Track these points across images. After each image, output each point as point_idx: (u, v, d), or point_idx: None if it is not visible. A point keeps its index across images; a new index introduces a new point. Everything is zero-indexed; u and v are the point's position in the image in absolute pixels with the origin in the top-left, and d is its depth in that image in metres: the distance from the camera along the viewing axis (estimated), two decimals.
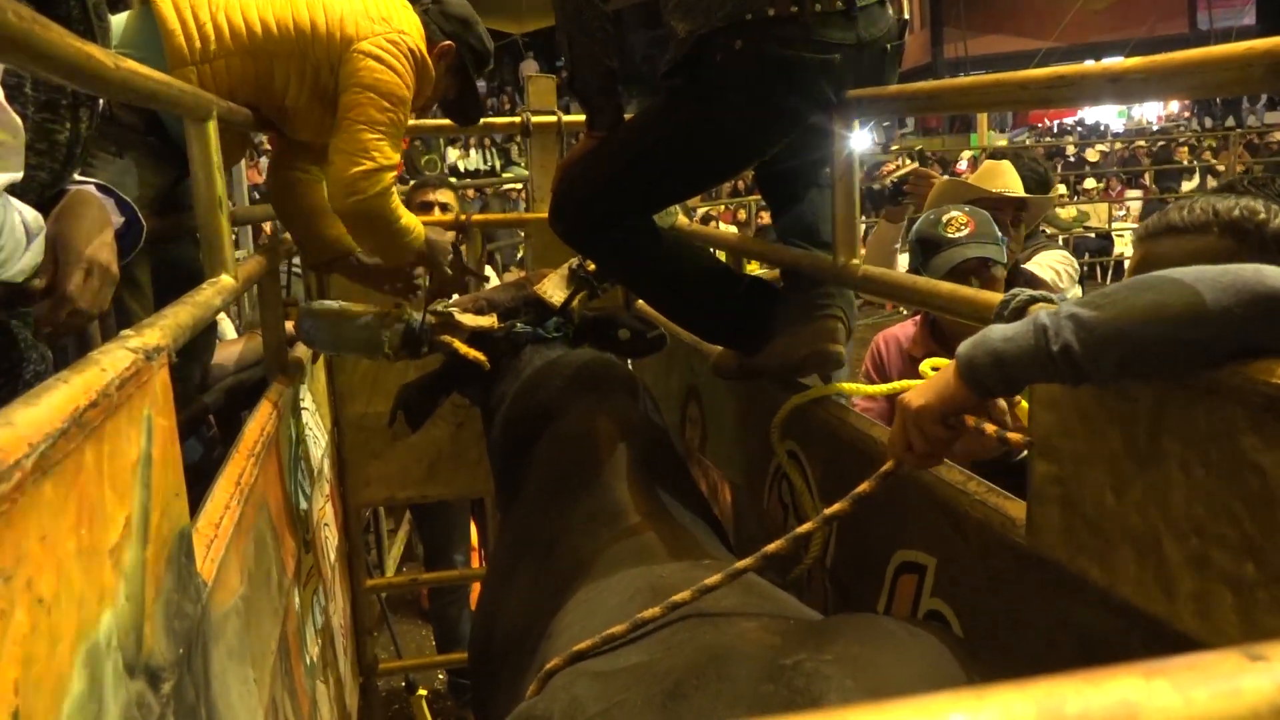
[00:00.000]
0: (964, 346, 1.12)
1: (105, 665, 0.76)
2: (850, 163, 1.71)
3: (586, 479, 1.84)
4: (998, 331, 1.10)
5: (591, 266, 2.37)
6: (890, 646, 1.06)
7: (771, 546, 1.34)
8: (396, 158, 2.15)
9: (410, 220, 2.27)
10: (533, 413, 2.14)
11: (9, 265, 1.05)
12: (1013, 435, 1.17)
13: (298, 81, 2.08)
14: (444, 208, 3.25)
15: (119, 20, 1.97)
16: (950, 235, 2.12)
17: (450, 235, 3.03)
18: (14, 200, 1.05)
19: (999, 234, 2.17)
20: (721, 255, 2.57)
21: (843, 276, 1.70)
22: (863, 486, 1.31)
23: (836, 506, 1.33)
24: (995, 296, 1.31)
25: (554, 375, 2.19)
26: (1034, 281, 2.52)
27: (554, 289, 2.37)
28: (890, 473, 1.29)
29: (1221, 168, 12.02)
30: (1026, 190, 2.75)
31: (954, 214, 2.16)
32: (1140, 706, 0.24)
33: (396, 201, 2.19)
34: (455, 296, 2.73)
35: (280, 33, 2.03)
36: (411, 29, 2.17)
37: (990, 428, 1.17)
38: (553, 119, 3.01)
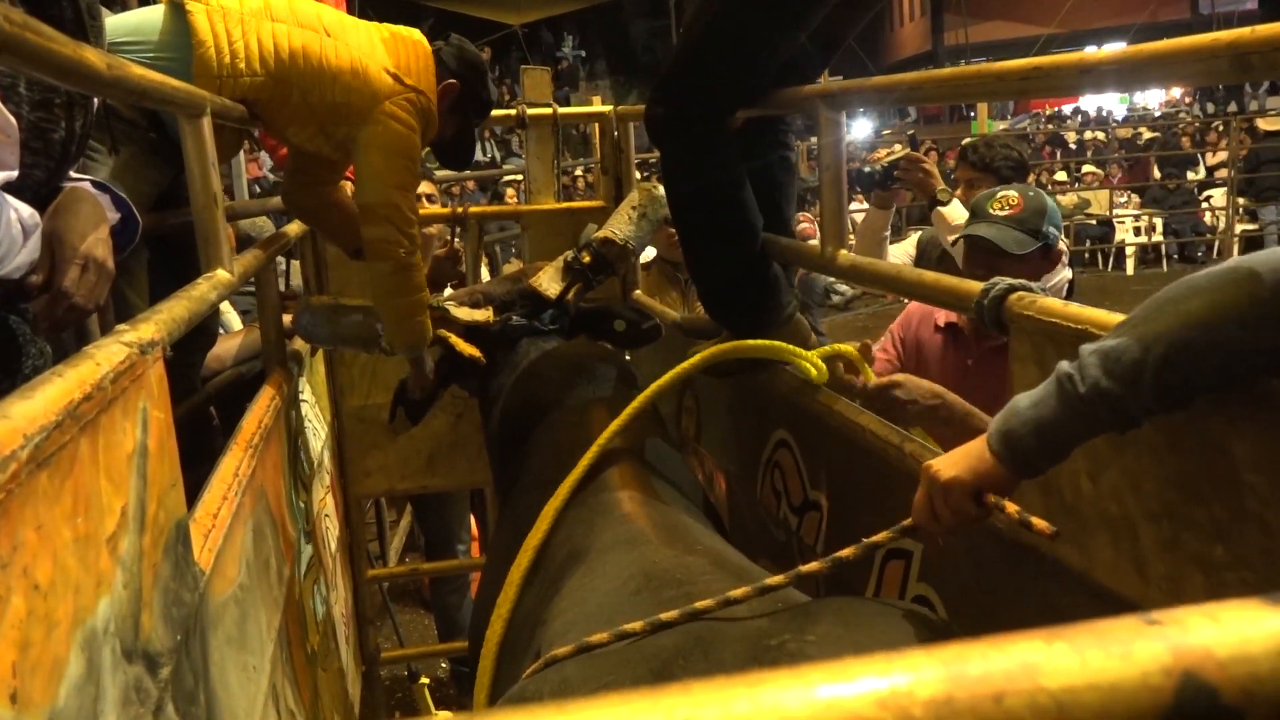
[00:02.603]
0: (995, 422, 1.05)
1: (103, 650, 0.79)
2: (838, 154, 1.73)
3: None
4: (1025, 400, 1.02)
5: (587, 259, 2.39)
6: (871, 627, 1.08)
7: (807, 568, 1.22)
8: (417, 209, 2.21)
9: (425, 304, 2.25)
10: (529, 404, 2.16)
11: (6, 262, 1.07)
12: (1037, 523, 1.06)
13: (308, 112, 2.09)
14: (428, 199, 3.27)
15: (144, 15, 1.99)
16: (990, 211, 2.09)
17: (438, 228, 3.05)
18: (10, 198, 1.07)
19: (1046, 227, 2.08)
20: None
21: (830, 266, 1.72)
22: (879, 537, 1.21)
23: (847, 552, 1.21)
24: (976, 285, 1.33)
25: (549, 367, 2.21)
26: None
27: (549, 281, 2.39)
28: (912, 529, 1.20)
29: (1223, 154, 11.99)
30: (1002, 175, 2.75)
31: (1010, 192, 2.13)
32: (1039, 667, 0.26)
33: (422, 272, 2.22)
34: (450, 289, 2.76)
35: (306, 66, 2.04)
36: (428, 80, 2.19)
37: (1012, 509, 1.07)
38: (548, 111, 3.02)
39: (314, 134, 2.14)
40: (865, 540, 1.19)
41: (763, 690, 0.26)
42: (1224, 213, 11.32)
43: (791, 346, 1.85)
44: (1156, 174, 12.79)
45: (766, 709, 0.25)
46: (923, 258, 3.01)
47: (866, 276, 1.67)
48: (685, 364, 1.92)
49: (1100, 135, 14.45)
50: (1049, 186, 12.13)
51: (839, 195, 1.73)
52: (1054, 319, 1.20)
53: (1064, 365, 0.99)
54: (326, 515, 2.62)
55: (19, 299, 1.16)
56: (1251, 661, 0.26)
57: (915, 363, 2.24)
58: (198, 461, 1.58)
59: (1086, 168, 12.59)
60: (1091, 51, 1.10)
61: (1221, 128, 12.75)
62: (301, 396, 2.45)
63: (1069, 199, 11.70)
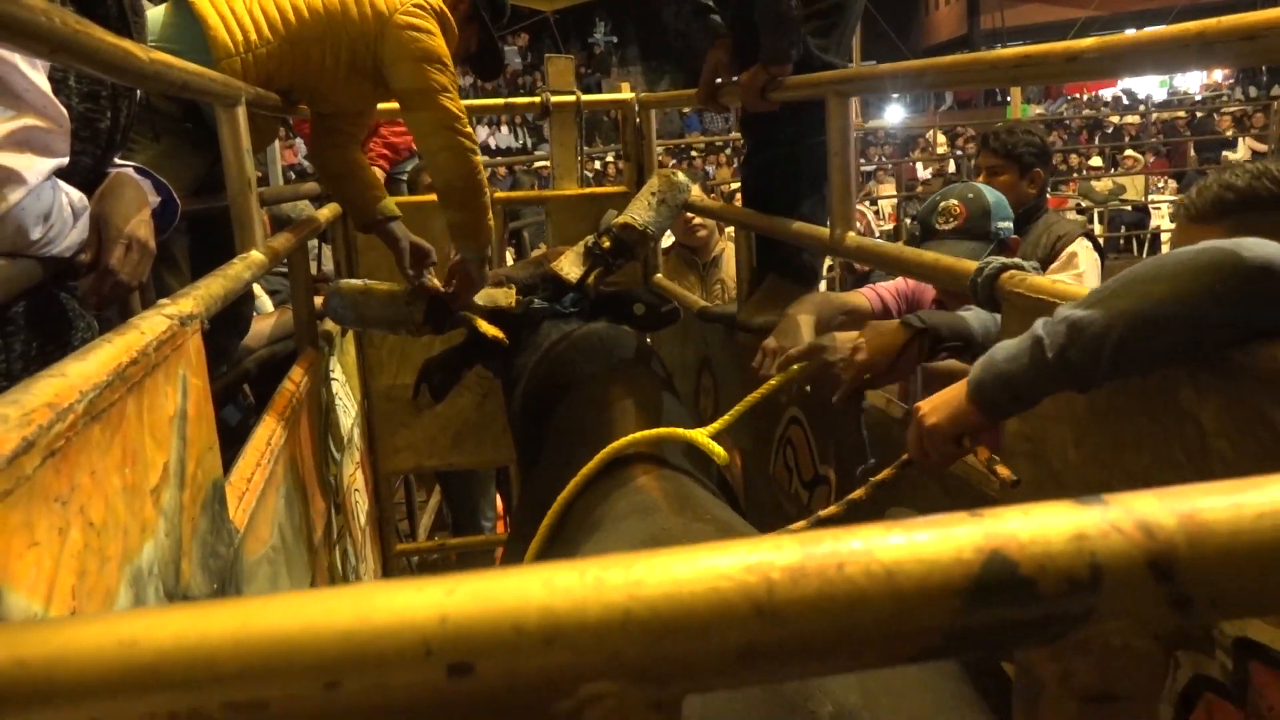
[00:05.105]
0: (974, 371, 1.15)
1: (148, 589, 0.88)
2: (846, 139, 1.79)
3: (599, 444, 1.93)
4: (1001, 352, 1.12)
5: (606, 244, 2.46)
6: None
7: (825, 512, 1.42)
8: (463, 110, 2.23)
9: (489, 205, 2.31)
10: (549, 383, 2.23)
11: (58, 242, 1.16)
12: (1001, 470, 1.20)
13: (334, 60, 2.17)
14: None
15: (154, 15, 2.07)
16: (938, 226, 2.01)
17: None
18: (61, 183, 1.16)
19: (995, 226, 2.01)
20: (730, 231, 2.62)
21: (838, 247, 1.78)
22: (884, 473, 1.37)
23: (859, 492, 1.39)
24: (971, 265, 1.39)
25: (569, 348, 2.28)
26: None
27: (570, 266, 2.46)
28: (908, 463, 1.34)
29: (1264, 148, 11.75)
30: (1024, 161, 2.76)
31: (951, 201, 2.03)
32: (876, 546, 0.33)
33: (483, 173, 2.28)
34: None
35: (313, 17, 2.12)
36: None
37: (983, 455, 1.22)
38: (571, 99, 3.09)
39: (354, 83, 2.20)
40: (872, 479, 1.30)
41: (658, 560, 0.33)
42: None
43: (694, 434, 1.81)
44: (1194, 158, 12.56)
45: (659, 571, 0.32)
46: None
47: (870, 257, 1.73)
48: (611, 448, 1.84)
49: (1137, 119, 14.22)
50: (1085, 172, 11.99)
51: (847, 179, 1.79)
52: (1043, 296, 1.26)
53: (1039, 327, 1.07)
54: (356, 490, 2.73)
55: (69, 276, 1.25)
56: (1047, 544, 0.33)
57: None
58: (230, 436, 1.67)
59: (1126, 152, 12.40)
60: (1077, 40, 1.15)
61: (1262, 112, 12.49)
62: (332, 375, 2.54)
63: (1104, 184, 11.56)
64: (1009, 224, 2.05)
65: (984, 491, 1.45)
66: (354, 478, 2.71)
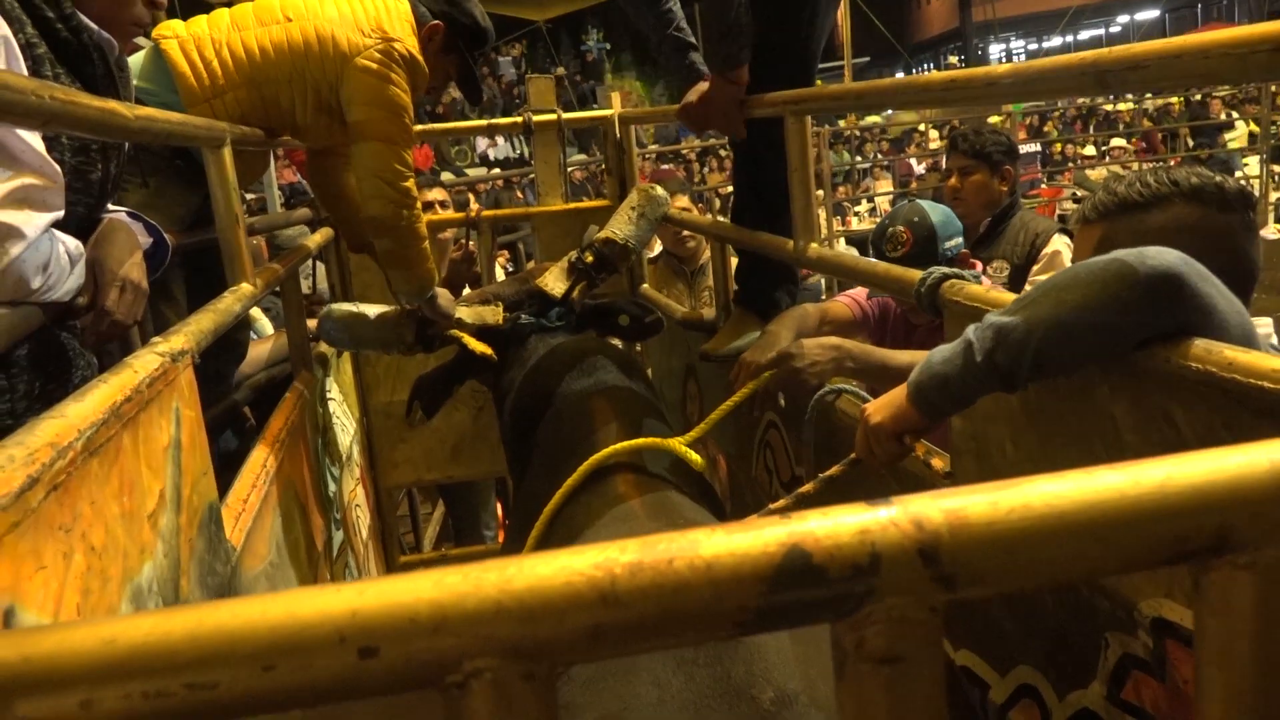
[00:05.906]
0: (913, 374, 1.24)
1: (147, 605, 0.96)
2: (805, 156, 1.87)
3: (583, 453, 2.02)
4: (938, 356, 1.20)
5: (590, 258, 2.55)
6: None
7: (775, 505, 1.52)
8: (412, 163, 2.28)
9: (428, 254, 2.34)
10: (537, 396, 2.32)
11: (57, 288, 1.25)
12: (935, 462, 1.30)
13: (300, 100, 2.24)
14: (441, 205, 3.43)
15: (136, 58, 2.17)
16: (887, 254, 2.06)
17: (451, 232, 3.23)
18: (58, 233, 1.25)
19: (942, 247, 2.06)
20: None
21: (800, 258, 1.87)
22: (832, 470, 1.47)
23: (808, 487, 1.49)
24: (916, 274, 1.47)
25: (555, 361, 2.37)
26: None
27: (555, 281, 2.54)
28: (856, 460, 1.43)
29: (1255, 130, 11.77)
30: (994, 160, 2.83)
31: (898, 227, 2.08)
32: (700, 544, 0.42)
33: (423, 222, 2.32)
34: (465, 290, 2.93)
35: (278, 57, 2.18)
36: (402, 28, 2.27)
37: (921, 449, 1.30)
38: (553, 117, 3.18)
39: (323, 121, 2.26)
40: (820, 475, 1.37)
41: (526, 562, 0.41)
42: (1258, 181, 11.16)
43: (671, 443, 1.89)
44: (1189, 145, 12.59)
45: (526, 570, 0.41)
46: None
47: (830, 267, 1.82)
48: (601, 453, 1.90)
49: (1129, 107, 14.26)
50: (1079, 161, 12.05)
51: (807, 193, 1.87)
52: (978, 304, 1.34)
53: (970, 332, 1.15)
54: (357, 505, 2.81)
55: (69, 318, 1.34)
56: (837, 538, 0.41)
57: (878, 323, 2.31)
58: (230, 459, 1.76)
59: (1116, 141, 12.45)
60: (1004, 64, 1.24)
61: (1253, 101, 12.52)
62: (329, 395, 2.63)
63: (1099, 174, 11.62)
64: (957, 241, 2.10)
65: (934, 488, 1.52)
66: (354, 493, 2.80)
